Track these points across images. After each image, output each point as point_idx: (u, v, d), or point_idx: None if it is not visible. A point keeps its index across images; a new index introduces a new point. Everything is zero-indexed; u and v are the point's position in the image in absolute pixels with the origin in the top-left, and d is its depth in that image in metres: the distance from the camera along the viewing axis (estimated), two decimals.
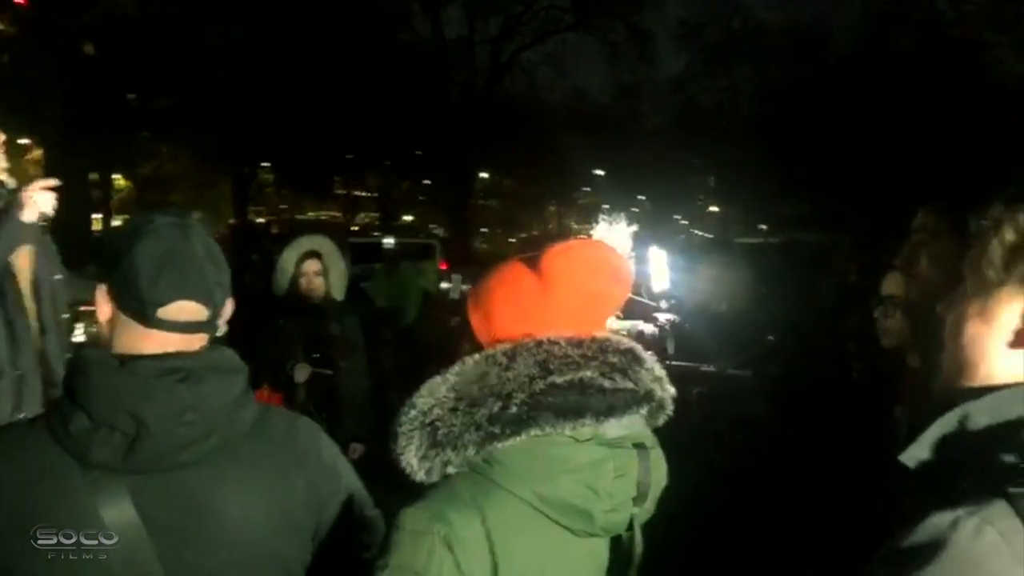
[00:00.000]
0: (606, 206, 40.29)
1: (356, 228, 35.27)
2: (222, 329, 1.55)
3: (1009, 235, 0.99)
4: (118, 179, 29.71)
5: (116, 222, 24.69)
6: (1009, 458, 0.90)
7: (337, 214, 38.35)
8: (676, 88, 34.96)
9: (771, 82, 32.39)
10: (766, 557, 2.33)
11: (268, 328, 4.07)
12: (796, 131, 27.26)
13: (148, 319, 1.42)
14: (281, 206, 38.56)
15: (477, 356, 1.35)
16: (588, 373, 1.31)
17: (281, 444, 1.55)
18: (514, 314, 1.38)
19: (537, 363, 1.30)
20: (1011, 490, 0.86)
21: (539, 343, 1.33)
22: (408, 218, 40.38)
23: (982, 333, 1.01)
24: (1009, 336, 0.98)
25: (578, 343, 1.34)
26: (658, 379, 1.41)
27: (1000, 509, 0.85)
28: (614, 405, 1.31)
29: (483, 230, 43.71)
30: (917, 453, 1.00)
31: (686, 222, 36.82)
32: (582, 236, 1.49)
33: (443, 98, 30.43)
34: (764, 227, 27.49)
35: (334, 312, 4.25)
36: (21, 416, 2.58)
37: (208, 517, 1.41)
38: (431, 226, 39.54)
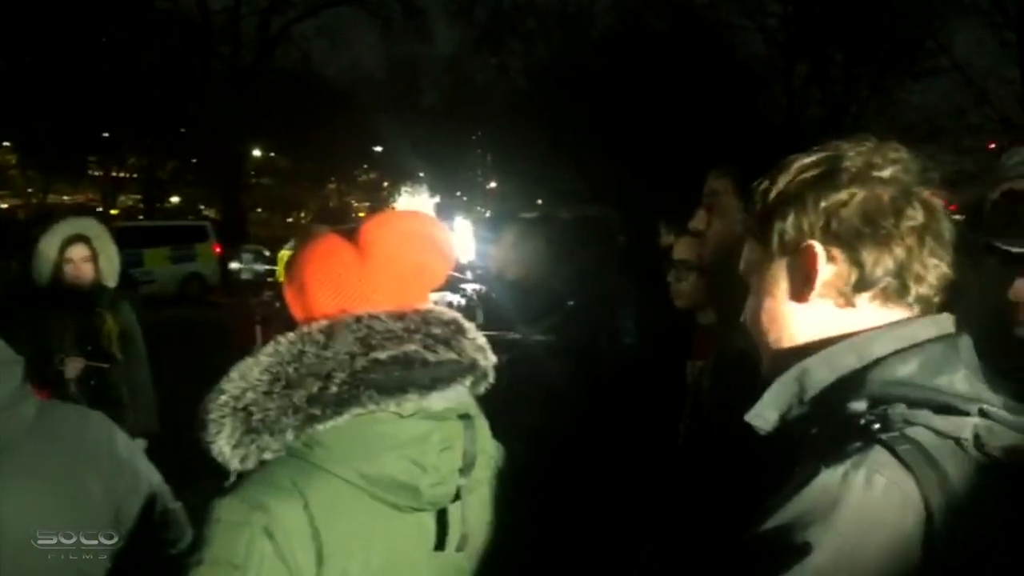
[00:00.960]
0: (386, 183, 40.06)
1: (116, 212, 32.84)
2: None
3: (756, 227, 1.12)
4: None
5: None
6: (859, 406, 0.97)
7: (95, 197, 35.33)
8: (451, 65, 35.24)
9: (539, 59, 33.39)
10: (582, 521, 2.43)
11: (30, 320, 3.68)
12: (564, 108, 28.33)
13: None
14: (28, 190, 35.04)
15: (292, 335, 1.28)
16: (411, 347, 1.28)
17: (70, 441, 1.43)
18: (331, 289, 1.32)
19: (358, 340, 1.26)
20: (884, 436, 0.91)
21: (358, 319, 1.28)
22: (175, 200, 38.08)
23: (774, 307, 1.10)
24: (790, 294, 1.08)
25: (400, 316, 1.30)
26: (481, 349, 1.40)
27: (881, 456, 0.89)
28: (438, 378, 1.29)
29: (259, 210, 42.08)
30: (764, 413, 1.05)
31: (466, 198, 37.34)
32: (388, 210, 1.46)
33: (208, 72, 28.81)
34: (540, 201, 28.41)
35: (106, 300, 3.91)
36: None
37: None
38: (201, 208, 37.52)
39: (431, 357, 1.29)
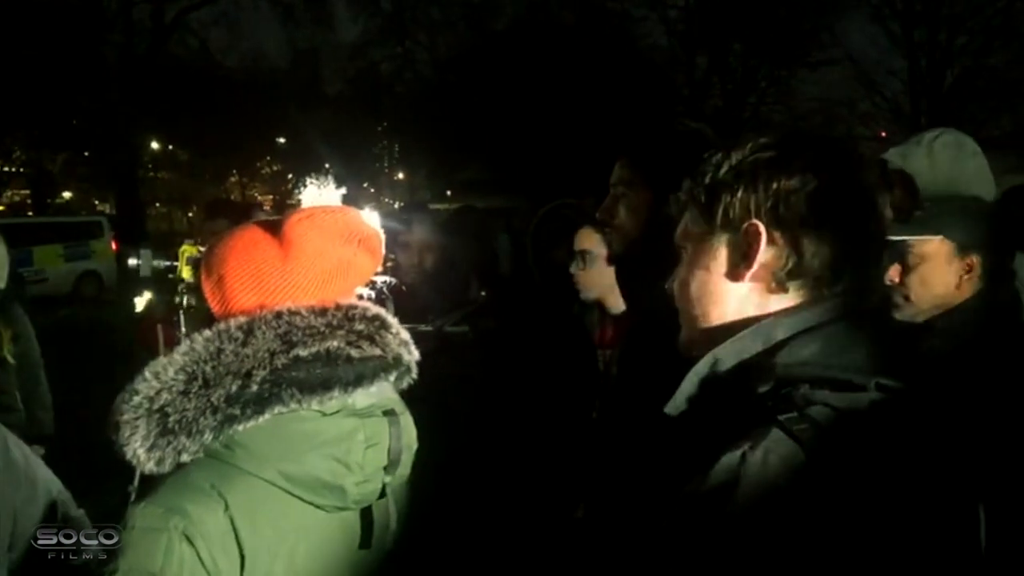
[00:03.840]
0: (290, 176, 39.25)
1: (2, 208, 31.28)
2: None
3: (702, 198, 1.11)
4: None
5: None
6: (763, 388, 0.99)
7: None
8: (355, 54, 34.64)
9: (445, 49, 33.20)
10: (504, 506, 2.43)
11: None
12: (470, 98, 28.29)
13: None
14: None
15: (208, 332, 1.23)
16: (334, 343, 1.25)
17: None
18: (252, 284, 1.28)
19: (278, 336, 1.22)
20: (781, 417, 0.93)
21: (279, 315, 1.24)
22: (68, 195, 36.47)
23: (707, 281, 1.11)
24: (725, 270, 1.09)
25: (322, 312, 1.27)
26: (405, 343, 1.37)
27: (777, 436, 0.92)
28: (363, 374, 1.27)
29: (157, 205, 40.73)
30: (679, 403, 1.07)
31: (374, 190, 36.92)
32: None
33: (98, 61, 27.59)
34: (449, 193, 28.37)
35: None
36: None
37: None
38: (96, 203, 36.03)
39: (355, 353, 1.27)
